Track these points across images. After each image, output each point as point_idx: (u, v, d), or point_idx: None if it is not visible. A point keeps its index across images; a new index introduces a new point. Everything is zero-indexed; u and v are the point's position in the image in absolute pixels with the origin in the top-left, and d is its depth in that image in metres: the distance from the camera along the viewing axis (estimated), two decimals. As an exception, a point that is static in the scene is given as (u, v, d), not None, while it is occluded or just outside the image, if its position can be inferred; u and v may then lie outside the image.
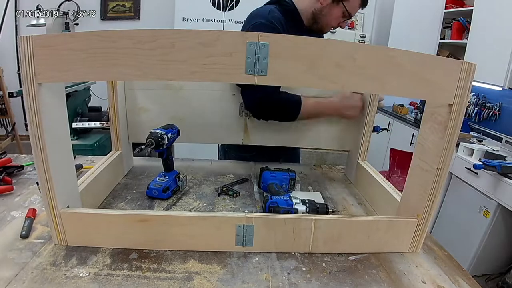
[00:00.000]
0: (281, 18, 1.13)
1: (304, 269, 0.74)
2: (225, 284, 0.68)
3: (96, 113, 2.72)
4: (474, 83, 0.70)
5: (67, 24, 2.84)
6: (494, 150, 2.11)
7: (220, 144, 1.51)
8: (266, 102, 1.14)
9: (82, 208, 0.79)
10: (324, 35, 1.30)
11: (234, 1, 3.11)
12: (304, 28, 1.23)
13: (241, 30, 1.13)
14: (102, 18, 3.55)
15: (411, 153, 0.85)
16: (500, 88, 2.35)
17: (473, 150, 2.11)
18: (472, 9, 2.61)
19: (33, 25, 2.76)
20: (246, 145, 1.28)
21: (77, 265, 0.70)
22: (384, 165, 2.88)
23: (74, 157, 1.22)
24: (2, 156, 1.13)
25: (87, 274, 0.67)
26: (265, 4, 1.22)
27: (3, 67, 3.05)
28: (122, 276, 0.68)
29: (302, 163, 1.48)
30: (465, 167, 2.10)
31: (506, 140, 2.21)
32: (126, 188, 1.07)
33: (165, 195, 0.99)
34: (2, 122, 3.28)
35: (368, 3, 1.18)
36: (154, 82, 1.17)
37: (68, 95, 2.36)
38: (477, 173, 2.00)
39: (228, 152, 1.45)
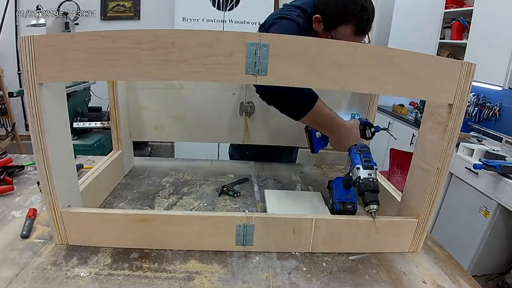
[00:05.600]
0: (303, 25, 1.06)
1: (304, 269, 0.74)
2: (225, 283, 0.68)
3: (96, 113, 2.72)
4: (474, 83, 0.70)
5: (67, 24, 2.84)
6: (494, 150, 2.11)
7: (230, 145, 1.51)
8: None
9: (83, 208, 0.79)
10: None
11: (234, 1, 3.12)
12: None
13: (263, 23, 1.10)
14: (102, 18, 3.55)
15: (411, 153, 0.85)
16: (500, 88, 2.35)
17: (473, 150, 2.11)
18: (472, 9, 2.61)
19: (33, 25, 2.76)
20: (245, 145, 1.28)
21: (78, 265, 0.70)
22: (384, 165, 2.88)
23: (75, 157, 1.22)
24: (3, 156, 1.14)
25: (87, 274, 0.67)
26: (290, 4, 1.14)
27: (3, 67, 3.05)
28: (123, 276, 0.68)
29: (302, 163, 1.48)
30: (465, 167, 2.10)
31: (506, 140, 2.21)
32: (127, 188, 1.07)
33: None
34: (2, 122, 3.27)
35: (368, 29, 1.06)
36: (155, 81, 1.18)
37: (68, 95, 2.36)
38: (477, 173, 2.00)
39: (231, 153, 1.46)
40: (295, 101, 0.98)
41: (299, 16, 1.07)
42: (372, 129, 1.07)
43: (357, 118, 1.11)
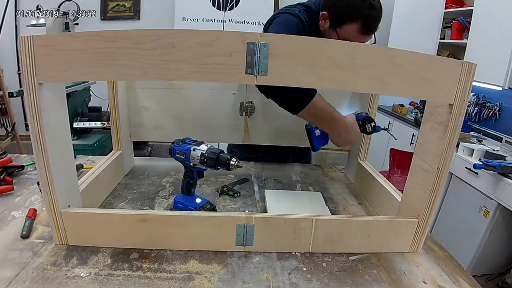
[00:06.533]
0: (307, 21, 1.08)
1: (304, 269, 0.74)
2: (225, 284, 0.68)
3: (96, 113, 2.72)
4: (474, 83, 0.70)
5: (67, 24, 2.84)
6: (494, 150, 2.11)
7: (228, 144, 1.50)
8: None
9: (82, 208, 0.79)
10: None
11: (234, 1, 3.12)
12: None
13: (267, 23, 1.12)
14: (102, 18, 3.55)
15: (411, 153, 0.85)
16: (500, 88, 2.35)
17: (473, 150, 2.11)
18: (472, 9, 2.61)
19: (33, 25, 2.76)
20: (252, 145, 1.27)
21: (78, 265, 0.70)
22: (384, 165, 2.88)
23: (75, 157, 1.22)
24: (3, 156, 1.13)
25: (87, 274, 0.67)
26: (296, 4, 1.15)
27: (3, 67, 3.05)
28: (122, 276, 0.68)
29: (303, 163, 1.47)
30: (465, 167, 2.10)
31: (506, 140, 2.21)
32: (127, 188, 1.07)
33: None
34: (2, 122, 3.27)
35: (375, 28, 1.05)
36: (155, 81, 1.18)
37: (68, 95, 2.36)
38: (477, 173, 2.00)
39: (234, 152, 1.44)
40: (293, 95, 0.96)
41: (301, 12, 1.08)
42: (372, 124, 1.05)
43: (354, 113, 1.08)
